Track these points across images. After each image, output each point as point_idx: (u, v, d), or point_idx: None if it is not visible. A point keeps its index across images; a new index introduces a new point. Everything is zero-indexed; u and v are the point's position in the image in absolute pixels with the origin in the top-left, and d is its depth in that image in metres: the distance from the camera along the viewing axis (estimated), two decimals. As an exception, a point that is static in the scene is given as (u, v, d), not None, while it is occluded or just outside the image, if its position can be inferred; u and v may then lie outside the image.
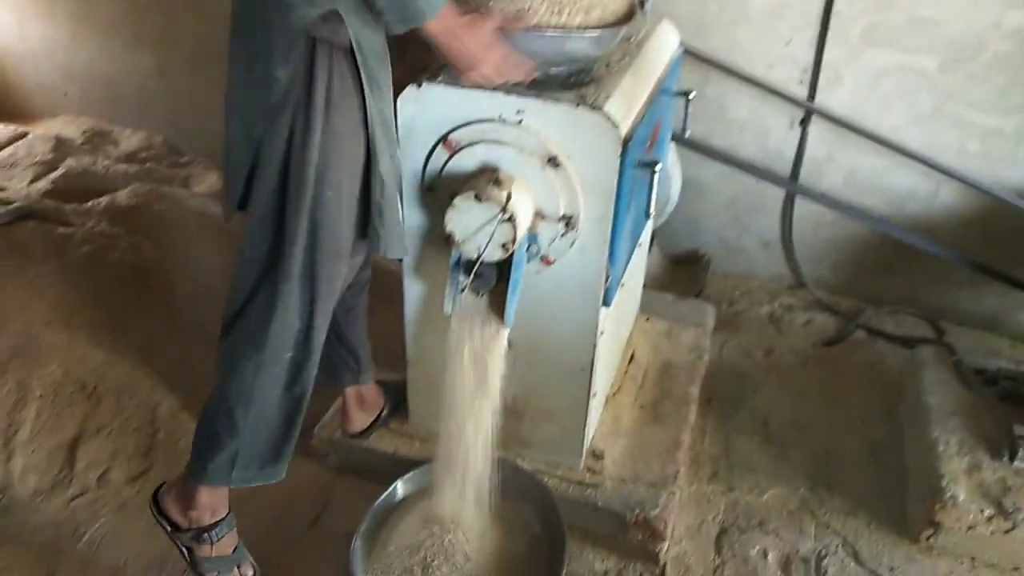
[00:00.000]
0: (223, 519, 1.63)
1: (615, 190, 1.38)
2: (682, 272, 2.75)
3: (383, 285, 2.40)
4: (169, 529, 1.64)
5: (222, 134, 1.44)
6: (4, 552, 1.82)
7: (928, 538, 1.86)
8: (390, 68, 1.41)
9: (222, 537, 1.63)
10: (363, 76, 1.34)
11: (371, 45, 1.35)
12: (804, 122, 2.45)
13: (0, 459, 1.99)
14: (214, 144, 3.32)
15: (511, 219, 1.36)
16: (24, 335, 2.15)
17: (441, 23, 1.29)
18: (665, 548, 1.83)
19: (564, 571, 1.64)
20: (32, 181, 2.85)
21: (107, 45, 3.28)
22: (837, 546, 1.88)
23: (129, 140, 3.36)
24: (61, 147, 3.11)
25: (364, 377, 1.90)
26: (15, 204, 2.50)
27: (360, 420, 1.94)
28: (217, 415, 1.51)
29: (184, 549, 1.64)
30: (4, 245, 2.34)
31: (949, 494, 1.80)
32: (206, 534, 1.61)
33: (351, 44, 1.31)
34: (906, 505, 1.96)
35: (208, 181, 3.14)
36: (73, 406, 2.08)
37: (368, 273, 1.77)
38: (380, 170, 1.40)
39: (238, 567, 1.66)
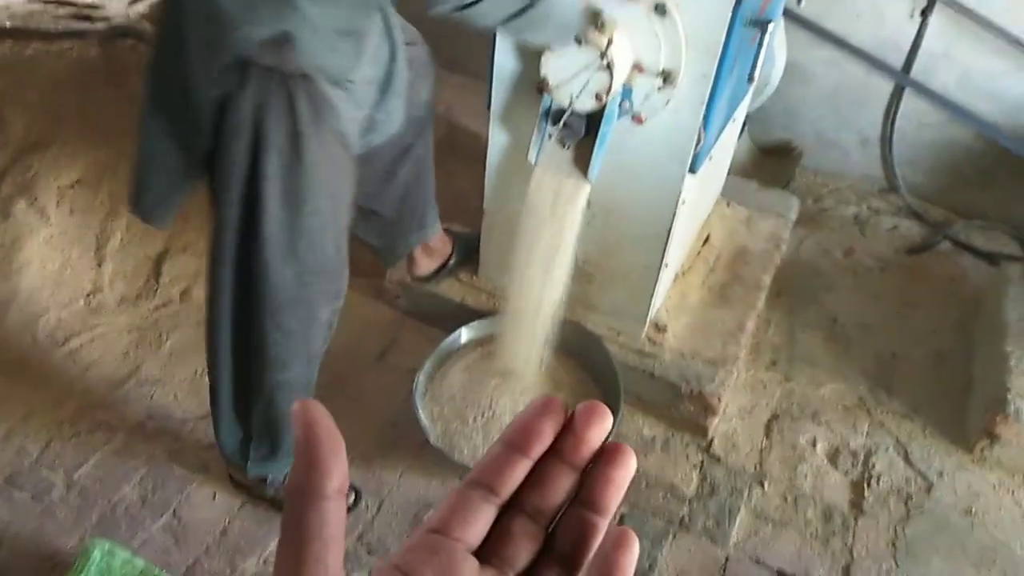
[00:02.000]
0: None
1: (722, 46, 1.33)
2: (770, 163, 2.67)
3: (464, 145, 2.39)
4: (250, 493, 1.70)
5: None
6: (95, 346, 1.96)
7: (983, 449, 1.85)
8: (376, 56, 1.32)
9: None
10: (331, 102, 1.24)
11: (336, 67, 1.23)
12: (925, 11, 2.28)
13: (92, 263, 2.11)
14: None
15: (609, 67, 1.32)
16: (119, 149, 2.22)
17: None
18: (715, 423, 1.86)
19: (613, 432, 1.68)
20: (131, 3, 2.86)
21: None
22: (888, 445, 1.89)
23: (225, -27, 3.34)
24: (159, -27, 3.11)
25: (431, 232, 1.92)
26: (115, 21, 2.54)
27: (425, 264, 1.97)
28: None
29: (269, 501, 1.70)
30: (104, 59, 2.39)
31: (1013, 407, 1.78)
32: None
33: (303, 71, 1.19)
34: (965, 415, 1.94)
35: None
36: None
37: (411, 138, 1.68)
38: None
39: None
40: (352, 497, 1.69)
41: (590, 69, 1.33)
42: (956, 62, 2.34)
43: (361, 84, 1.31)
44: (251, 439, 1.58)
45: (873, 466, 1.84)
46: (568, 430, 0.36)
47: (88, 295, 2.07)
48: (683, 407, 1.84)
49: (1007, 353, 1.89)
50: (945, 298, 2.28)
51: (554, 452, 0.36)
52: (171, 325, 2.03)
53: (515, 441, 0.36)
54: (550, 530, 0.36)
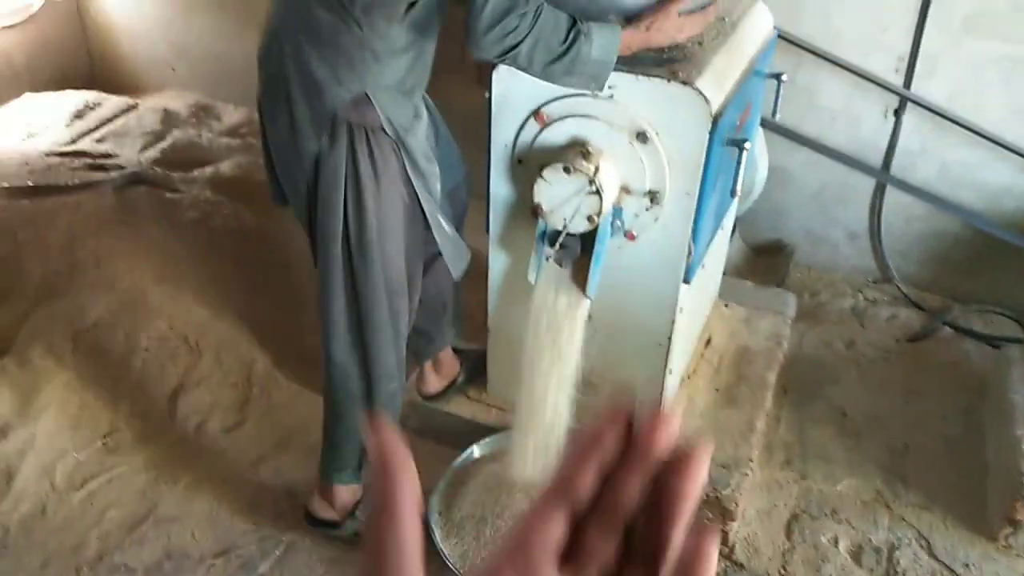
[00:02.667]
0: (361, 497, 1.85)
1: (702, 166, 1.41)
2: (763, 262, 2.74)
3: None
4: (334, 531, 1.84)
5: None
6: (112, 487, 1.97)
7: (1007, 537, 1.83)
8: (422, 113, 1.56)
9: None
10: (401, 149, 1.49)
11: (400, 115, 1.49)
12: (899, 112, 2.40)
13: (108, 404, 2.15)
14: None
15: (598, 191, 1.40)
16: (133, 291, 2.30)
17: (630, 46, 1.40)
18: (735, 529, 1.85)
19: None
20: (142, 149, 3.02)
21: (216, 24, 3.45)
22: (911, 539, 1.87)
23: (232, 115, 3.52)
24: (169, 119, 3.29)
25: (454, 336, 2.01)
26: (128, 170, 2.67)
27: (434, 383, 2.02)
28: (335, 428, 1.76)
29: (350, 536, 1.84)
30: (117, 207, 2.51)
31: (1032, 493, 1.77)
32: (356, 514, 1.84)
33: (381, 124, 1.46)
34: (985, 503, 1.93)
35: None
36: (176, 359, 2.22)
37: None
38: (425, 209, 1.58)
39: None
40: None
41: (580, 194, 1.41)
42: (934, 156, 2.44)
43: (421, 138, 1.55)
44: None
45: (898, 562, 1.81)
46: (637, 438, 0.37)
47: (105, 436, 2.10)
48: (701, 513, 1.82)
49: (1018, 437, 1.89)
50: (950, 384, 2.30)
51: (626, 460, 0.37)
52: (187, 461, 2.05)
53: (584, 451, 0.37)
54: (629, 535, 0.37)
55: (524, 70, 1.38)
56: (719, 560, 1.81)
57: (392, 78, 1.45)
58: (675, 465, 0.36)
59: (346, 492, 1.82)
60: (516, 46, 1.31)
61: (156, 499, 1.95)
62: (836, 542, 1.86)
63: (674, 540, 0.36)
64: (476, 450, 1.88)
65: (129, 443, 2.09)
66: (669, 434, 0.36)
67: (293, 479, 1.98)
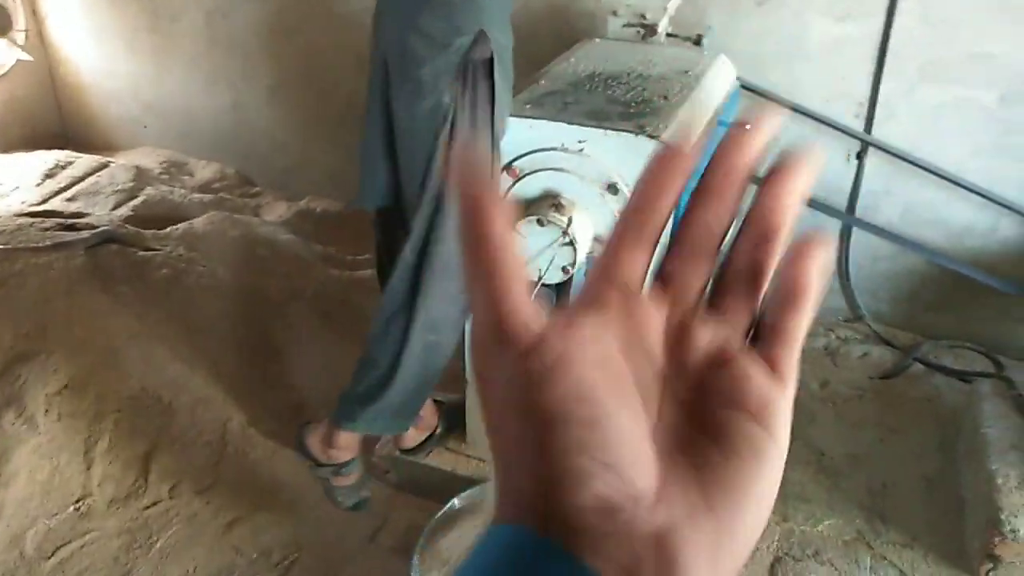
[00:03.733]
0: (355, 458, 1.92)
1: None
2: (736, 303, 2.77)
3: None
4: (310, 464, 1.92)
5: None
6: (84, 554, 1.93)
7: (987, 572, 1.83)
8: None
9: (351, 472, 1.91)
10: (496, 76, 1.54)
11: (503, 44, 1.57)
12: (860, 155, 2.47)
13: (80, 468, 2.11)
14: (284, 175, 3.47)
15: (571, 243, 1.42)
16: (105, 351, 2.28)
17: None
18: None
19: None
20: (114, 208, 3.01)
21: (187, 81, 3.48)
22: (893, 578, 1.87)
23: (204, 171, 3.53)
24: (141, 176, 3.28)
25: None
26: (99, 228, 2.66)
27: (412, 436, 2.01)
28: (370, 375, 1.76)
29: (322, 479, 1.92)
30: (89, 266, 2.49)
31: (1009, 527, 1.78)
32: (342, 469, 1.90)
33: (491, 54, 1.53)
34: (964, 538, 1.94)
35: (278, 210, 3.28)
36: (149, 419, 2.19)
37: None
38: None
39: (360, 491, 1.97)
40: None
41: (555, 245, 1.43)
42: (897, 197, 2.51)
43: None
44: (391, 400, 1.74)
45: (881, 602, 1.81)
46: (723, 152, 0.34)
47: (77, 501, 2.05)
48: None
49: (993, 471, 1.92)
50: (924, 420, 2.32)
51: (710, 177, 0.34)
52: (161, 524, 2.01)
53: (651, 185, 0.34)
54: (725, 254, 0.34)
55: None
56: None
57: (496, 5, 1.55)
58: (768, 179, 0.34)
59: (345, 439, 1.86)
60: None
61: (130, 565, 1.91)
62: (820, 584, 1.86)
63: (772, 260, 0.34)
64: (457, 503, 1.86)
65: (102, 507, 2.05)
66: (755, 147, 0.34)
67: (269, 540, 1.94)
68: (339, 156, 3.13)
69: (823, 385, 2.45)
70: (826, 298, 2.55)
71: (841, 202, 2.55)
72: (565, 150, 1.46)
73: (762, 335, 0.34)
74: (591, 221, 1.48)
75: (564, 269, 1.46)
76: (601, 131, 1.43)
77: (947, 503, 2.05)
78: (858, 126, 2.46)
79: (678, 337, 0.33)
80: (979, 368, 2.48)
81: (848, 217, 2.54)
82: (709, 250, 0.34)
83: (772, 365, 0.33)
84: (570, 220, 1.42)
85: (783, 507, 2.05)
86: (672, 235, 0.35)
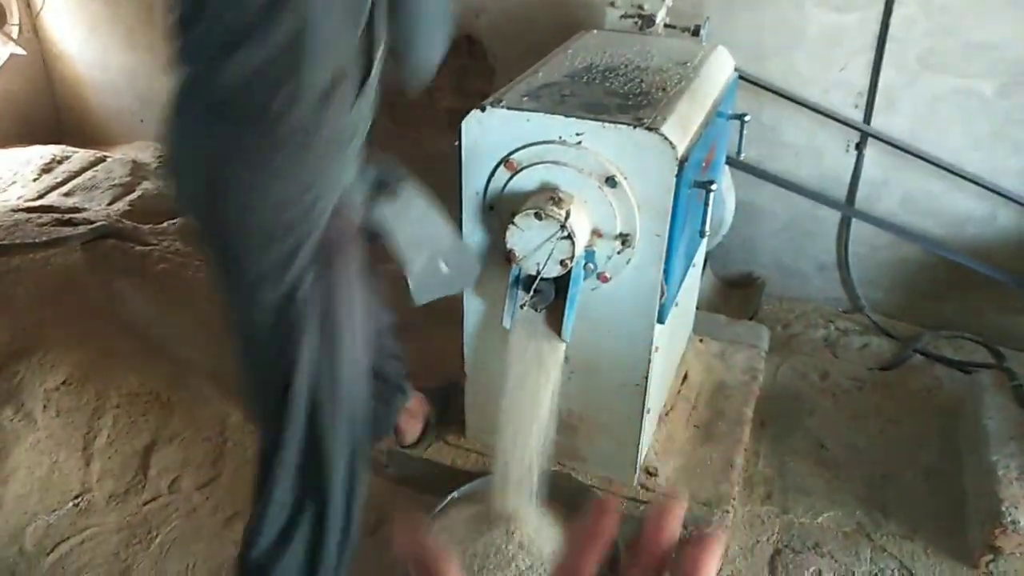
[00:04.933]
0: None
1: (671, 209, 1.43)
2: (735, 295, 2.77)
3: (438, 304, 2.47)
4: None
5: None
6: (84, 549, 1.92)
7: (988, 564, 1.83)
8: None
9: None
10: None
11: None
12: (860, 145, 2.46)
13: (80, 464, 2.11)
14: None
15: (570, 236, 1.41)
16: (103, 347, 2.27)
17: None
18: (718, 567, 1.84)
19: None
20: (111, 202, 3.00)
21: (182, 75, 3.46)
22: (893, 570, 1.87)
23: (200, 164, 3.52)
24: (137, 171, 3.27)
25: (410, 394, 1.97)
26: (96, 223, 2.65)
27: (412, 431, 2.00)
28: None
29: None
30: (86, 262, 2.48)
31: (1009, 519, 1.78)
32: None
33: None
34: (964, 530, 1.94)
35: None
36: (148, 415, 2.18)
37: None
38: None
39: None
40: None
41: (553, 239, 1.42)
42: (897, 187, 2.50)
43: None
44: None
45: (881, 594, 1.81)
46: (648, 530, 0.42)
47: (76, 496, 2.05)
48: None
49: (993, 463, 1.92)
50: (924, 411, 2.32)
51: (635, 550, 0.42)
52: (161, 519, 2.01)
53: (582, 540, 0.43)
54: None
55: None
56: (704, 600, 1.80)
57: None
58: (690, 548, 0.41)
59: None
60: None
61: (130, 560, 1.91)
62: (820, 576, 1.86)
63: None
64: (456, 495, 1.86)
65: (101, 503, 2.05)
66: (676, 524, 0.42)
67: (271, 534, 1.94)
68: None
69: (823, 377, 2.45)
70: (826, 289, 2.56)
71: (841, 192, 2.54)
72: (563, 143, 1.45)
73: None
74: (589, 214, 1.47)
75: (562, 263, 1.45)
76: (599, 124, 1.42)
77: (947, 495, 2.05)
78: (857, 116, 2.45)
79: None
80: (979, 359, 2.48)
81: (847, 208, 2.53)
82: None
83: None
84: (568, 213, 1.41)
85: (783, 499, 2.05)
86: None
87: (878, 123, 2.44)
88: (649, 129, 1.39)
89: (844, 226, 2.60)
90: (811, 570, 1.87)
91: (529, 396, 1.61)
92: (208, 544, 1.93)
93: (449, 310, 2.03)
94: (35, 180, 3.12)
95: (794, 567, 1.88)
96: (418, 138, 2.81)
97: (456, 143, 1.56)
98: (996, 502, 1.82)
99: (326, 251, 1.36)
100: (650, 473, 1.90)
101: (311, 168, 1.30)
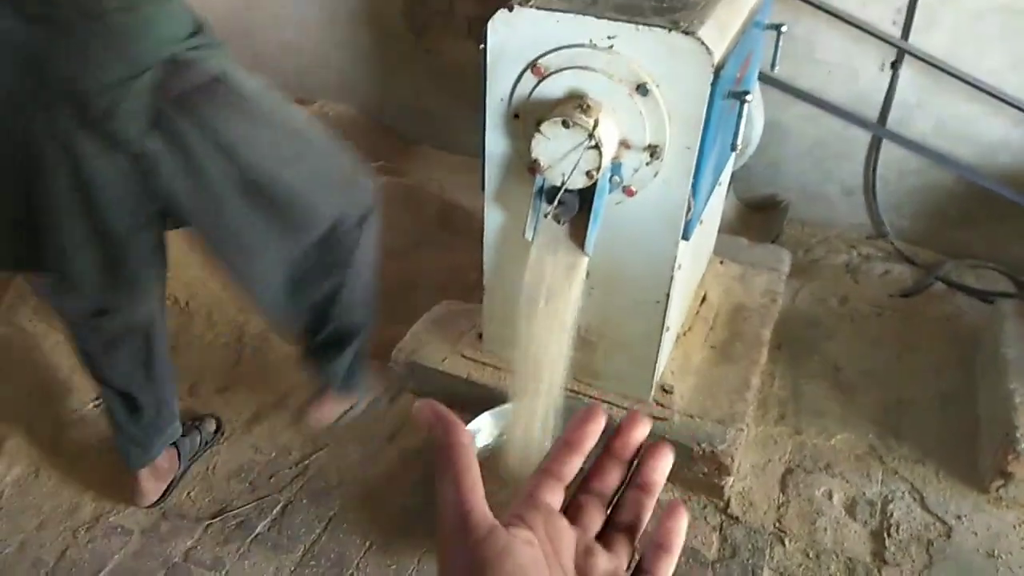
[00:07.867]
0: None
1: (703, 120, 1.38)
2: (758, 218, 2.73)
3: (454, 218, 2.45)
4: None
5: None
6: (105, 448, 1.96)
7: (998, 488, 1.85)
8: None
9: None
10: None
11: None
12: (895, 64, 2.37)
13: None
14: (297, 77, 3.34)
15: (597, 146, 1.37)
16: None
17: None
18: (730, 483, 1.86)
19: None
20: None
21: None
22: (904, 492, 1.89)
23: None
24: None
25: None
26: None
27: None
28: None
29: None
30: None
31: (1023, 445, 1.78)
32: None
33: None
34: (977, 456, 1.95)
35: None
36: (167, 319, 2.18)
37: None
38: None
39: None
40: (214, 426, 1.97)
41: (579, 149, 1.38)
42: (930, 110, 2.42)
43: None
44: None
45: (891, 515, 1.83)
46: (617, 433, 0.49)
47: (96, 398, 2.07)
48: (697, 468, 1.84)
49: (1011, 390, 1.91)
50: (943, 339, 2.31)
51: (608, 450, 0.49)
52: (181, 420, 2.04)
53: (570, 441, 0.48)
54: (611, 508, 0.49)
55: None
56: (717, 514, 1.83)
57: None
58: (650, 450, 0.49)
59: None
60: None
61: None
62: (830, 496, 1.88)
63: (647, 513, 0.49)
64: (481, 422, 1.82)
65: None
66: (644, 430, 0.50)
67: (287, 440, 1.97)
68: (355, 57, 3.04)
69: (842, 302, 2.43)
70: (850, 214, 2.50)
71: (873, 113, 2.47)
72: (594, 47, 1.40)
73: (641, 571, 0.47)
74: (618, 124, 1.42)
75: (588, 174, 1.41)
76: (633, 26, 1.36)
77: (961, 421, 2.05)
78: (895, 33, 2.35)
79: (584, 557, 0.46)
80: (1001, 288, 2.45)
81: (879, 128, 2.46)
82: (605, 499, 0.49)
83: None
84: (596, 122, 1.36)
85: (797, 420, 2.06)
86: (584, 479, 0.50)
87: (917, 41, 2.34)
88: (686, 33, 1.33)
89: (873, 149, 2.53)
90: (822, 490, 1.89)
91: (549, 310, 1.59)
92: (227, 446, 1.97)
93: (467, 222, 2.01)
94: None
95: (804, 486, 1.90)
96: (438, 49, 2.73)
97: (481, 46, 1.50)
98: (1011, 428, 1.82)
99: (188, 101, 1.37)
100: (666, 391, 1.90)
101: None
